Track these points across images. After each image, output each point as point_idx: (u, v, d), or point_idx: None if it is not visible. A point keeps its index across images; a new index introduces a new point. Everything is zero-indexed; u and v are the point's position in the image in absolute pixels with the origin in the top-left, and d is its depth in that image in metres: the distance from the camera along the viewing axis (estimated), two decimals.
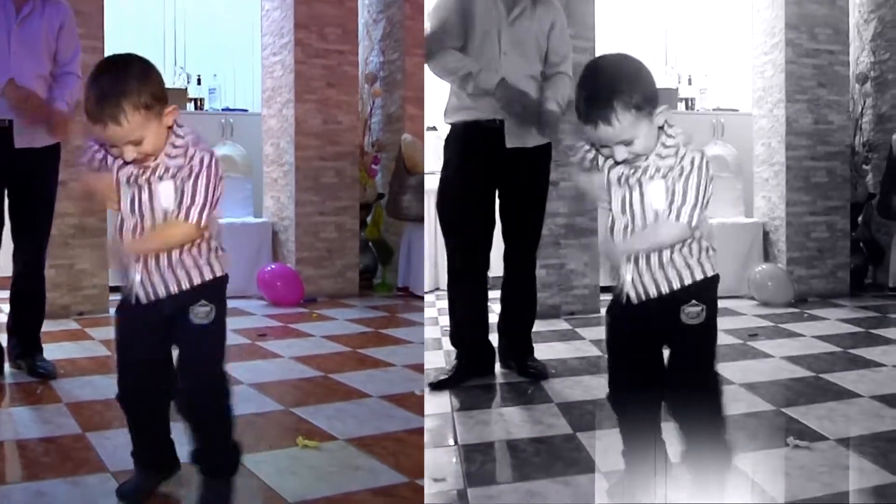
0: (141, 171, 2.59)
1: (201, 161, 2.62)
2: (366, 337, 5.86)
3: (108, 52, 6.37)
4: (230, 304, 5.93)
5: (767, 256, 7.40)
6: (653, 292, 2.63)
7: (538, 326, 4.75)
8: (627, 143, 2.48)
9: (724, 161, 7.54)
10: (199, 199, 2.61)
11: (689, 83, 8.23)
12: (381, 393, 4.31)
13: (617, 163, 2.57)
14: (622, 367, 2.81)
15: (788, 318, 6.22)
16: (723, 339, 5.39)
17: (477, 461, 3.30)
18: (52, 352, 4.67)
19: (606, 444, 3.37)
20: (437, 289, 7.82)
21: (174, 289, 2.67)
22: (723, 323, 5.63)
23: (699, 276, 2.63)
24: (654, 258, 2.62)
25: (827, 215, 7.35)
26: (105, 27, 6.47)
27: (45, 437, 3.47)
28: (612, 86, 2.46)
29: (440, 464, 3.29)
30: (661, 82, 7.74)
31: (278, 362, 5.06)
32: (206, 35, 9.05)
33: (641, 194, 2.58)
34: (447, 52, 4.35)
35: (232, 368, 4.47)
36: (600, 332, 5.54)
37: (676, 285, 2.62)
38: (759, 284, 6.90)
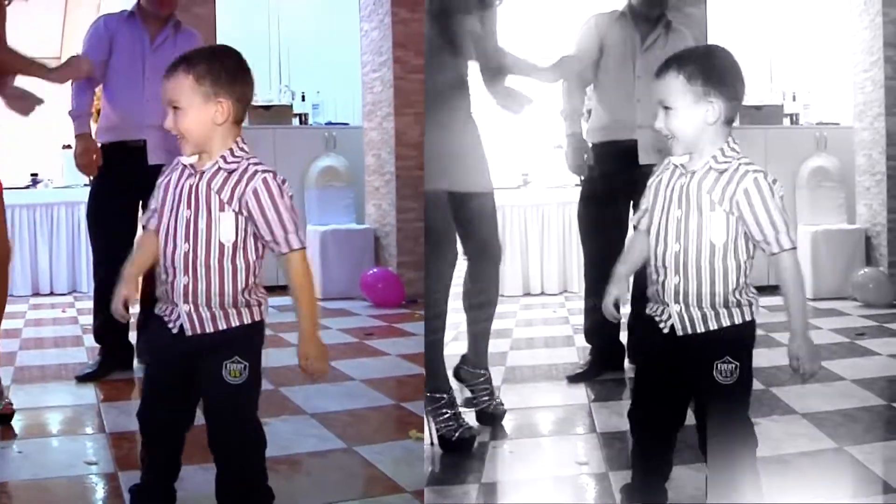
0: (196, 176, 2.38)
1: (274, 182, 2.37)
2: None
3: None
4: (336, 305, 6.22)
5: (870, 260, 7.32)
6: (700, 328, 2.36)
7: None
8: (666, 108, 2.36)
9: (828, 172, 7.50)
10: (291, 223, 2.37)
11: (794, 99, 8.17)
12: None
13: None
14: (652, 395, 2.56)
15: (891, 319, 6.12)
16: (831, 337, 5.41)
17: (615, 447, 3.37)
18: None
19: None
20: (566, 290, 7.89)
21: (222, 325, 2.39)
22: (829, 323, 5.76)
23: (740, 320, 2.36)
24: (707, 298, 2.34)
25: None
26: None
27: None
28: (688, 53, 2.43)
29: (583, 449, 3.39)
30: (767, 99, 7.76)
31: (385, 360, 5.09)
32: (310, 55, 9.13)
33: (699, 219, 2.33)
34: (573, 87, 4.58)
35: (341, 365, 4.68)
36: None
37: (726, 322, 2.35)
38: (861, 286, 6.84)
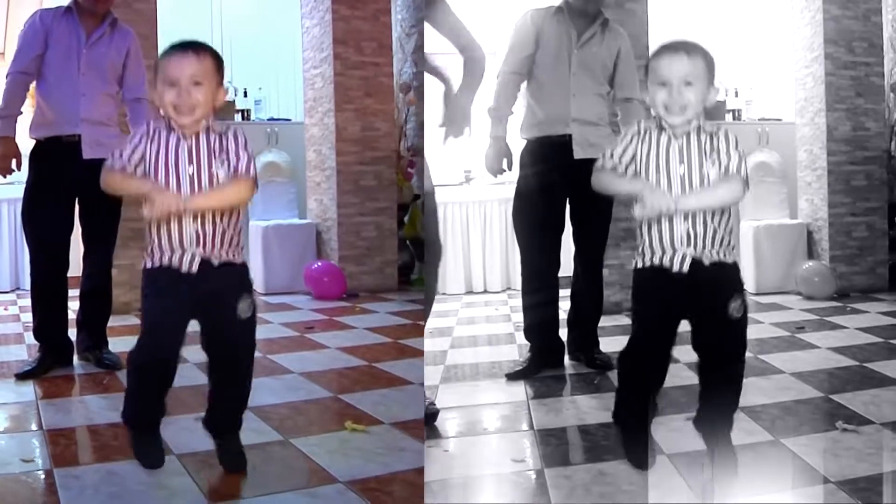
0: (192, 139, 2.79)
1: (234, 132, 2.85)
2: (405, 328, 5.87)
3: None
4: (278, 300, 6.22)
5: (811, 254, 7.37)
6: (706, 261, 2.76)
7: (602, 322, 4.79)
8: (688, 84, 2.73)
9: (770, 167, 7.52)
10: (245, 156, 2.81)
11: (736, 95, 8.19)
12: (421, 379, 4.34)
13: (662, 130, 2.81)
14: (651, 334, 2.95)
15: (832, 312, 6.19)
16: (772, 331, 5.44)
17: (552, 444, 3.35)
18: (115, 345, 4.69)
19: (668, 428, 3.41)
20: (509, 288, 7.86)
21: (225, 257, 2.81)
22: (771, 317, 5.76)
23: (732, 260, 2.82)
24: (710, 239, 2.75)
25: (866, 216, 7.30)
26: (158, 48, 6.54)
27: (112, 423, 3.47)
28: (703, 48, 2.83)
29: (520, 447, 3.35)
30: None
31: (325, 353, 5.07)
32: (252, 51, 9.09)
33: (699, 148, 2.77)
34: (509, 77, 4.53)
35: (282, 359, 4.72)
36: None
37: (729, 259, 2.80)
38: (805, 280, 6.88)
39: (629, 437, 3.06)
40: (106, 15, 4.56)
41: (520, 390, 4.18)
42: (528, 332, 4.64)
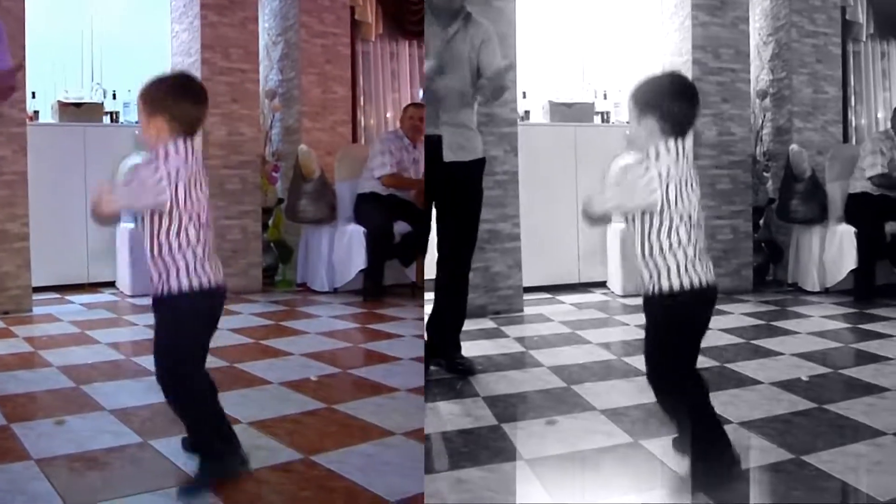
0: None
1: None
2: (267, 329, 5.85)
3: (30, 71, 6.40)
4: (145, 301, 6.08)
5: None
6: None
7: (465, 325, 4.73)
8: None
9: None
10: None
11: (605, 98, 8.23)
12: (280, 380, 4.34)
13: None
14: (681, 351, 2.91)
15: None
16: (637, 333, 5.43)
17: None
18: None
19: (528, 434, 3.38)
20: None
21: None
22: (637, 319, 5.78)
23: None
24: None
25: (731, 219, 7.40)
26: (27, 46, 6.37)
27: None
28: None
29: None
30: (578, 97, 7.81)
31: None
32: (122, 53, 8.93)
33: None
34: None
35: (144, 361, 4.57)
36: (523, 330, 5.61)
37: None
38: None
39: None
40: None
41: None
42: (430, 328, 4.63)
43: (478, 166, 4.50)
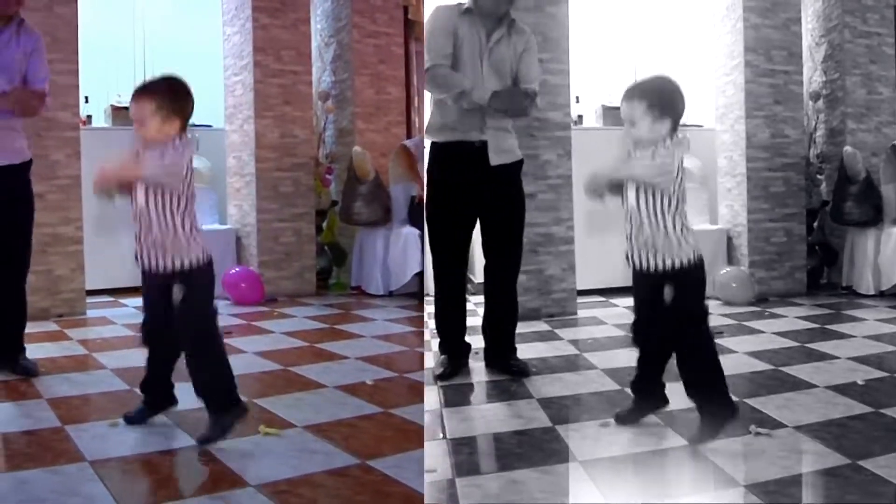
0: None
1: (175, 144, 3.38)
2: (322, 332, 5.87)
3: (83, 75, 6.53)
4: None
5: (731, 260, 7.42)
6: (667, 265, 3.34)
7: (520, 328, 4.74)
8: (633, 124, 3.25)
9: (691, 173, 7.53)
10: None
11: None
12: (335, 383, 4.33)
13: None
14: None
15: (750, 317, 6.22)
16: None
17: (464, 453, 3.30)
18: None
19: (582, 436, 3.38)
20: (429, 294, 7.79)
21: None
22: None
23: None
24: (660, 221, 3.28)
25: (785, 221, 7.37)
26: (80, 52, 6.52)
27: (25, 431, 3.47)
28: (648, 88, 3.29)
29: (431, 455, 3.28)
30: None
31: (242, 357, 5.00)
32: (173, 57, 8.96)
33: None
34: (442, 69, 4.40)
35: None
36: (577, 333, 5.61)
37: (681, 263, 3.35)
38: (723, 285, 6.90)
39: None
40: (12, 17, 4.48)
41: (433, 398, 4.12)
42: (439, 340, 4.67)
43: (519, 168, 4.56)
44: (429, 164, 4.57)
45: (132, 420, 3.51)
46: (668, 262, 3.32)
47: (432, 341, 5.28)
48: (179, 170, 3.29)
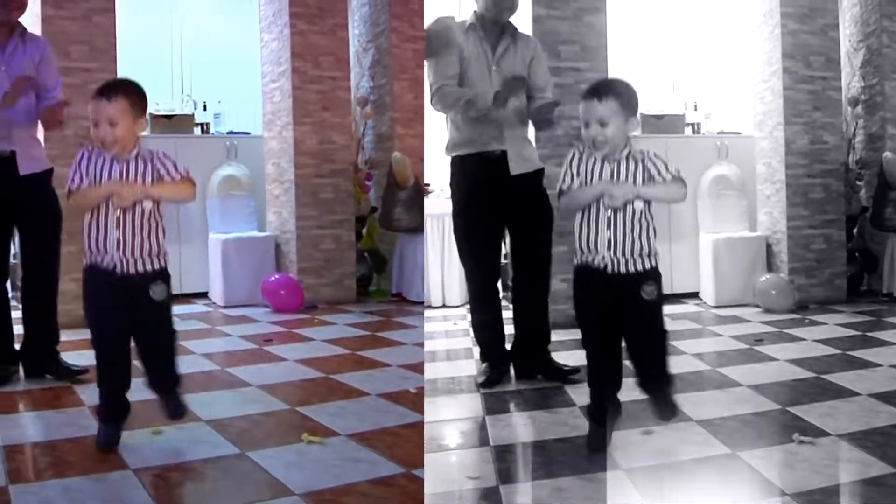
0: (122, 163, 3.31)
1: (162, 154, 3.40)
2: (363, 340, 5.87)
3: None
4: (237, 312, 6.42)
5: (770, 267, 7.39)
6: (624, 270, 3.26)
7: (560, 335, 4.76)
8: (603, 124, 3.20)
9: (729, 180, 7.55)
10: (180, 168, 3.40)
11: (696, 109, 8.19)
12: (378, 391, 4.35)
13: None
14: (589, 324, 3.45)
15: (791, 324, 6.20)
16: (730, 344, 5.46)
17: (508, 460, 3.32)
18: None
19: (625, 443, 3.40)
20: (468, 303, 7.81)
21: (145, 265, 3.32)
22: (730, 329, 5.79)
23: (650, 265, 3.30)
24: (628, 226, 3.23)
25: (824, 228, 7.34)
26: (118, 60, 6.59)
27: (68, 438, 3.51)
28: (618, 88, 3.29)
29: (474, 463, 3.31)
30: (668, 108, 7.78)
31: (283, 365, 5.06)
32: (211, 64, 9.07)
33: (627, 172, 3.25)
34: (447, 87, 4.45)
35: (240, 371, 4.78)
36: None
37: (647, 265, 3.28)
38: (763, 293, 6.88)
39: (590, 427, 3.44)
40: (16, 25, 4.53)
41: (477, 406, 4.16)
42: (480, 349, 4.72)
43: (541, 176, 4.60)
44: (451, 179, 4.64)
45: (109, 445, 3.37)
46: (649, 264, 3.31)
47: (473, 349, 5.32)
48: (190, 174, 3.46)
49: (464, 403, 4.27)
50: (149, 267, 3.31)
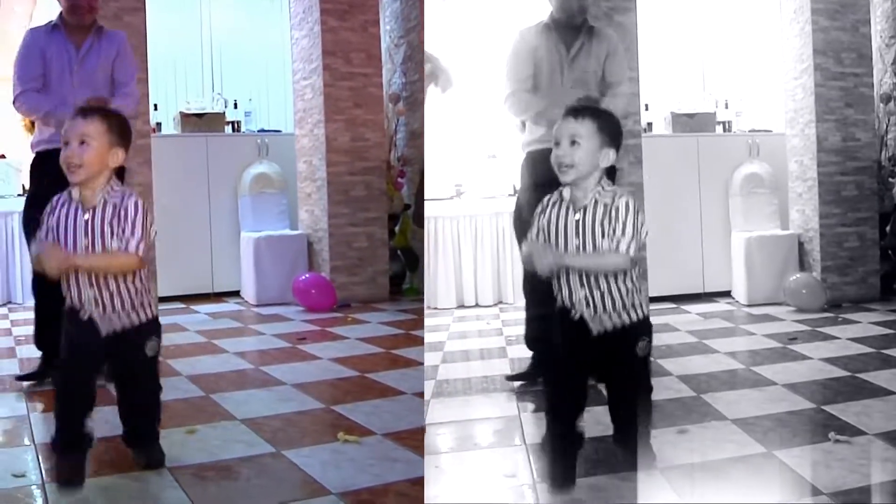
0: (90, 209, 2.99)
1: (133, 203, 2.99)
2: (397, 338, 5.88)
3: (152, 82, 6.70)
4: (270, 311, 6.45)
5: (803, 265, 7.37)
6: (609, 327, 2.98)
7: None
8: (574, 143, 2.95)
9: (760, 178, 7.54)
10: (138, 232, 2.97)
11: (726, 107, 8.18)
12: (413, 390, 4.36)
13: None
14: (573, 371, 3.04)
15: (824, 323, 6.19)
16: (764, 342, 5.44)
17: (542, 459, 3.30)
18: None
19: (660, 442, 3.40)
20: (501, 302, 7.85)
21: (124, 320, 3.06)
22: (763, 328, 5.78)
23: (642, 314, 3.04)
24: (604, 285, 2.95)
25: (857, 226, 7.31)
26: (148, 60, 6.67)
27: (104, 437, 3.41)
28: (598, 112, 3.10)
29: (511, 461, 3.34)
30: (699, 107, 7.78)
31: (317, 363, 5.08)
32: (242, 62, 9.13)
33: (593, 222, 2.94)
34: (518, 94, 4.51)
35: (274, 370, 4.80)
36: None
37: (629, 320, 2.99)
38: (794, 291, 6.87)
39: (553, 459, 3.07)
40: (92, 25, 4.63)
41: (511, 405, 4.17)
42: (531, 343, 4.67)
43: (613, 171, 4.59)
44: (522, 170, 4.67)
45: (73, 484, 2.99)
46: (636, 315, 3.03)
47: (508, 348, 5.34)
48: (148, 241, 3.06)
49: (497, 403, 4.28)
50: (135, 320, 3.08)
